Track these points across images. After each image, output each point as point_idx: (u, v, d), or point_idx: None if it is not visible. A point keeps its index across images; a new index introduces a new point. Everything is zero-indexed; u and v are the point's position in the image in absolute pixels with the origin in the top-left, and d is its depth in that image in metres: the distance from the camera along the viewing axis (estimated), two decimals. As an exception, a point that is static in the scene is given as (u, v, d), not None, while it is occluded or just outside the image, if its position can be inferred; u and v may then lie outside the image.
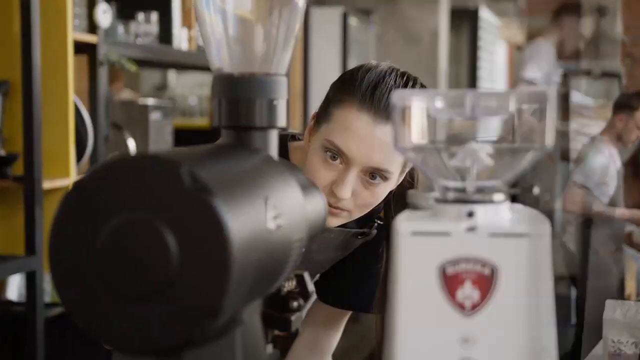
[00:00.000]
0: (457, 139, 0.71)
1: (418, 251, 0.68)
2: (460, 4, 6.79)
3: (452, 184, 0.71)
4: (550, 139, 0.68)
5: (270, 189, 0.72)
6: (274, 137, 0.83)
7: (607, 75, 9.21)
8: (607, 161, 3.80)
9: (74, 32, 2.56)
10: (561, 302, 3.59)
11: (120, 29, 2.96)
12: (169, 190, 0.62)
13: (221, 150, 0.77)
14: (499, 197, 0.70)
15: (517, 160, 0.70)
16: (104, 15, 2.66)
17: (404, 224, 0.69)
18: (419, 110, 0.70)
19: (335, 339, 1.54)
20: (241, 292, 0.63)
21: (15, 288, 2.61)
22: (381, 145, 1.19)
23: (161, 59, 3.12)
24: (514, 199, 0.73)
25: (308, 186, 0.86)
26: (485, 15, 7.44)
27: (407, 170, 1.29)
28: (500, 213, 0.70)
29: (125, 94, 3.81)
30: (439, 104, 0.70)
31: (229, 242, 0.61)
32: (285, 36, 0.84)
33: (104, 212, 0.62)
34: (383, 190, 1.24)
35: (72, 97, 2.50)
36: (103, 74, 2.70)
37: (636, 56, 10.00)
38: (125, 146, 2.84)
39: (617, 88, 9.77)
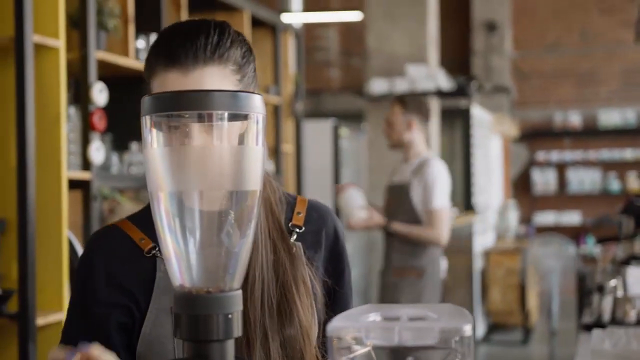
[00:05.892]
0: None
1: None
2: (452, 105, 6.96)
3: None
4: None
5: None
6: (230, 348, 0.91)
7: (498, 90, 9.34)
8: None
9: (69, 171, 2.67)
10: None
11: (115, 159, 3.08)
12: None
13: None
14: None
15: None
16: (97, 152, 2.78)
17: None
18: (351, 339, 0.78)
19: None
20: None
21: None
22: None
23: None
24: None
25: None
26: (477, 112, 7.62)
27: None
28: None
29: (127, 208, 3.88)
30: (371, 334, 0.78)
31: None
32: (239, 254, 0.93)
33: None
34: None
35: (66, 233, 2.60)
36: (96, 208, 2.80)
37: (525, 71, 10.24)
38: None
39: (506, 102, 9.89)
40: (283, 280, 1.24)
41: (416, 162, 3.94)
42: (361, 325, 0.78)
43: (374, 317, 0.81)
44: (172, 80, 1.19)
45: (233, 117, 0.92)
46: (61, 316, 2.60)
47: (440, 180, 3.87)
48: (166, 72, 1.19)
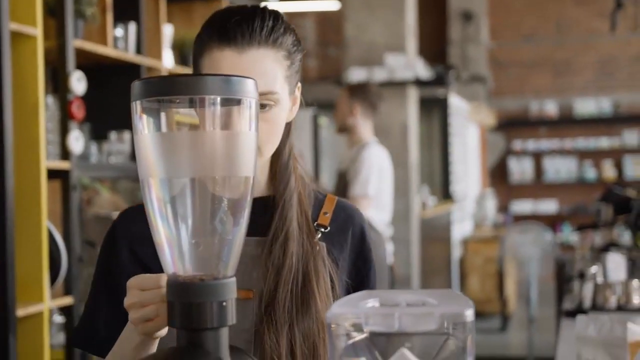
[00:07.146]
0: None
1: None
2: (430, 94, 6.96)
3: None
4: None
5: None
6: (224, 336, 0.90)
7: (475, 79, 9.38)
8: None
9: (48, 160, 2.64)
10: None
11: (94, 148, 3.04)
12: None
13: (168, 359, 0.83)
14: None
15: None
16: (76, 142, 2.75)
17: None
18: (351, 326, 0.77)
19: None
20: None
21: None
22: (253, 70, 1.18)
23: (134, 176, 3.21)
24: None
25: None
26: (455, 101, 7.64)
27: (296, 91, 1.28)
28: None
29: (105, 198, 3.84)
30: (370, 320, 0.77)
31: None
32: (233, 241, 0.91)
33: None
34: (278, 115, 1.23)
35: (45, 223, 2.56)
36: (76, 198, 2.77)
37: (501, 61, 10.34)
38: (99, 264, 2.88)
39: (483, 91, 9.95)
40: (305, 271, 1.24)
41: (355, 149, 3.95)
42: (361, 311, 0.77)
43: (373, 302, 0.80)
44: (226, 58, 1.18)
45: (225, 102, 0.90)
46: (41, 307, 2.57)
47: (367, 168, 3.81)
48: (220, 50, 1.19)
